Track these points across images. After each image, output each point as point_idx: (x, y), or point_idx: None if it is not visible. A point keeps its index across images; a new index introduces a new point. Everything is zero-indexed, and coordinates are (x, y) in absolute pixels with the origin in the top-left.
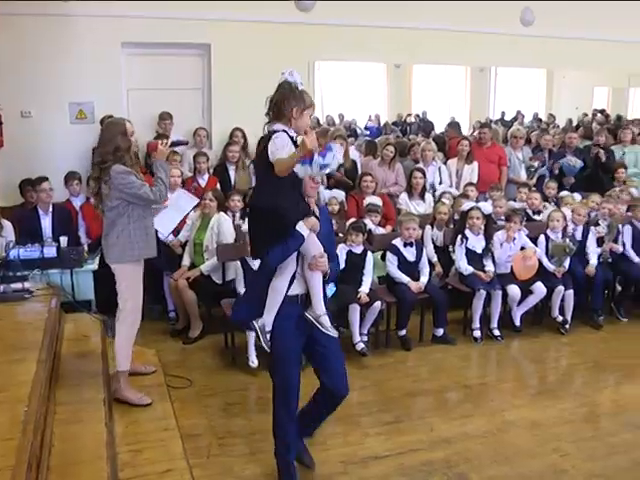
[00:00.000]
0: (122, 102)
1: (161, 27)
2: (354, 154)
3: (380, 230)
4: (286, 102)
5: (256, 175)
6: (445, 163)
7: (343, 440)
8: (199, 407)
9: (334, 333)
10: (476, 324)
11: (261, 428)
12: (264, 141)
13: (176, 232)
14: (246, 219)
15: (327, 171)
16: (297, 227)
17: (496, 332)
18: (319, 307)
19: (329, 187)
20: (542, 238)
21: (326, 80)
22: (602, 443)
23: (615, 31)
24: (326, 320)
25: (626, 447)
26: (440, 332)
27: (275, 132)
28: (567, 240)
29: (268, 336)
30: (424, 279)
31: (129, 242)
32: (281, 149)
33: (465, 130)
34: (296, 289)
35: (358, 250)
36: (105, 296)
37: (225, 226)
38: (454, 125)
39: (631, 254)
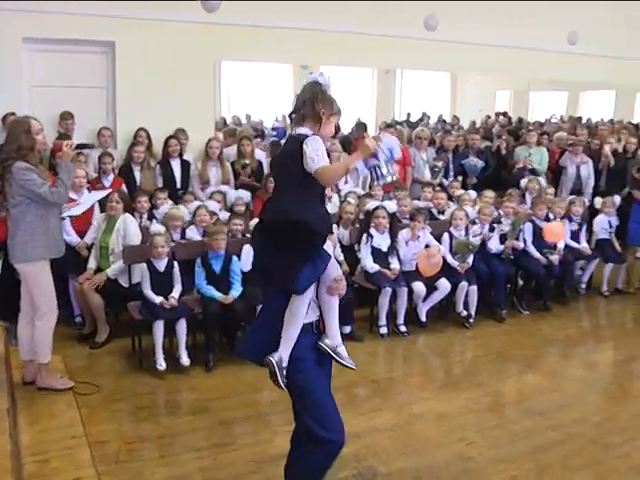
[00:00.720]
0: (24, 100)
1: (64, 23)
2: (260, 155)
3: None
4: (316, 104)
5: (279, 184)
6: None
7: (253, 439)
8: (107, 413)
9: (352, 364)
10: (382, 321)
11: (170, 431)
12: (292, 145)
13: (82, 234)
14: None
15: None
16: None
17: (402, 328)
18: (337, 336)
19: (235, 187)
20: (446, 236)
21: (233, 80)
22: (505, 430)
23: (516, 38)
24: (343, 350)
25: (527, 433)
26: (347, 329)
27: (307, 136)
28: (470, 237)
29: (285, 372)
30: None
31: (31, 240)
32: (322, 156)
33: (372, 131)
34: (311, 316)
35: None
36: (7, 301)
37: (131, 228)
38: (360, 126)
39: (532, 250)
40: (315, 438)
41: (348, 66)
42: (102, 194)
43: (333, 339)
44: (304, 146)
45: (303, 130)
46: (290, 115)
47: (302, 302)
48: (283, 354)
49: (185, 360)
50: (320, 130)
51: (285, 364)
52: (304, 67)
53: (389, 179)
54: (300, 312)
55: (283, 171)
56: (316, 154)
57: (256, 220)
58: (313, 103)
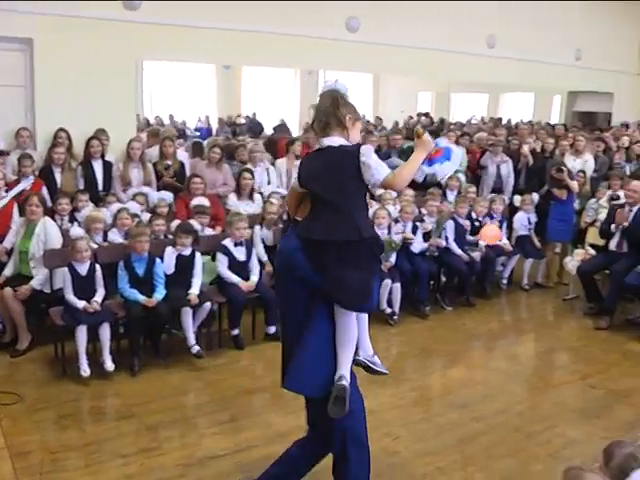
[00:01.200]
0: None
1: None
2: (182, 155)
3: (209, 231)
4: (338, 111)
5: (334, 200)
6: (274, 164)
7: (180, 443)
8: (30, 423)
9: (386, 370)
10: None
11: (96, 439)
12: (341, 159)
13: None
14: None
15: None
16: None
17: None
18: (369, 346)
19: (158, 189)
20: None
21: (155, 80)
22: (430, 424)
23: (436, 41)
24: (377, 359)
25: (452, 425)
26: (272, 330)
27: (356, 147)
28: (393, 236)
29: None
30: (254, 278)
31: None
32: (383, 164)
33: (296, 131)
34: None
35: (187, 252)
36: None
37: (52, 232)
38: (282, 126)
39: (454, 247)
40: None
41: (271, 67)
42: (21, 187)
43: (366, 350)
44: (363, 158)
45: (335, 140)
46: (312, 126)
47: (353, 319)
48: (346, 376)
49: (109, 365)
50: (349, 137)
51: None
52: (227, 67)
53: (448, 174)
54: (355, 330)
55: (339, 187)
56: (379, 164)
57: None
58: (336, 111)
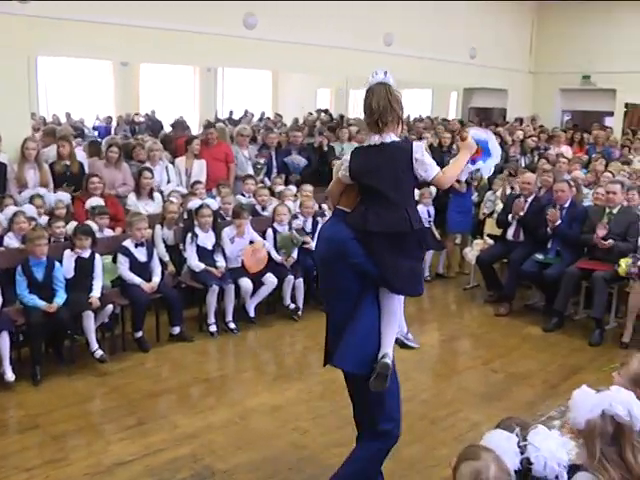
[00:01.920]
0: None
1: None
2: (80, 155)
3: (109, 232)
4: (393, 108)
5: (388, 194)
6: (173, 162)
7: (86, 451)
8: None
9: (418, 345)
10: (211, 319)
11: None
12: (397, 155)
13: None
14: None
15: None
16: None
17: (231, 325)
18: (404, 325)
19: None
20: (270, 231)
21: (51, 77)
22: (337, 416)
23: (334, 38)
24: (410, 335)
25: None
26: (176, 330)
27: (410, 144)
28: (294, 232)
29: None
30: (156, 279)
31: None
32: (432, 160)
33: (195, 129)
34: None
35: (86, 254)
36: None
37: None
38: (180, 124)
39: None
40: (380, 432)
41: (169, 64)
42: None
43: (402, 328)
44: (417, 155)
45: (389, 136)
46: (370, 122)
47: (397, 303)
48: (391, 355)
49: (10, 376)
50: (400, 132)
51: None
52: (124, 64)
53: (492, 169)
54: (398, 313)
55: (394, 182)
56: (431, 161)
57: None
58: (392, 107)
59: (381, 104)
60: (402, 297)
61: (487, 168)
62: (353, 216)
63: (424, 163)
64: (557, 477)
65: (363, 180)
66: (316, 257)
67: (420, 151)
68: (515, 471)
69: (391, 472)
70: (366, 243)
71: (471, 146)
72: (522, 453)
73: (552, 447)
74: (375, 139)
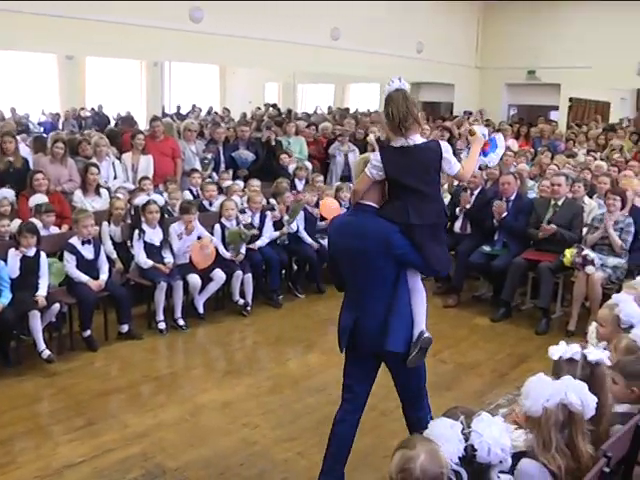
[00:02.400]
0: None
1: None
2: (25, 151)
3: (55, 230)
4: (410, 111)
5: (423, 189)
6: (119, 158)
7: (35, 454)
8: None
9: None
10: (160, 316)
11: None
12: (428, 154)
13: None
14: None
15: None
16: None
17: (181, 322)
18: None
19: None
20: (217, 227)
21: None
22: (288, 410)
23: (280, 32)
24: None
25: (309, 410)
26: (125, 328)
27: (438, 144)
28: (241, 227)
29: None
30: (104, 276)
31: None
32: (454, 157)
33: (144, 124)
34: None
35: (31, 253)
36: None
37: None
38: (127, 119)
39: (304, 235)
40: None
41: (115, 57)
42: None
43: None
44: (445, 155)
45: (416, 138)
46: (393, 126)
47: (422, 286)
48: (425, 331)
49: None
50: (420, 132)
51: None
52: (69, 58)
53: (498, 160)
54: (423, 291)
55: (428, 179)
56: (454, 159)
57: None
58: (410, 112)
59: (401, 110)
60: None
61: (496, 158)
62: (392, 211)
63: (450, 161)
64: (501, 462)
65: (400, 178)
66: (351, 251)
67: (448, 150)
68: (460, 457)
69: None
70: (409, 234)
71: (480, 140)
72: (466, 440)
73: (495, 433)
74: (402, 142)
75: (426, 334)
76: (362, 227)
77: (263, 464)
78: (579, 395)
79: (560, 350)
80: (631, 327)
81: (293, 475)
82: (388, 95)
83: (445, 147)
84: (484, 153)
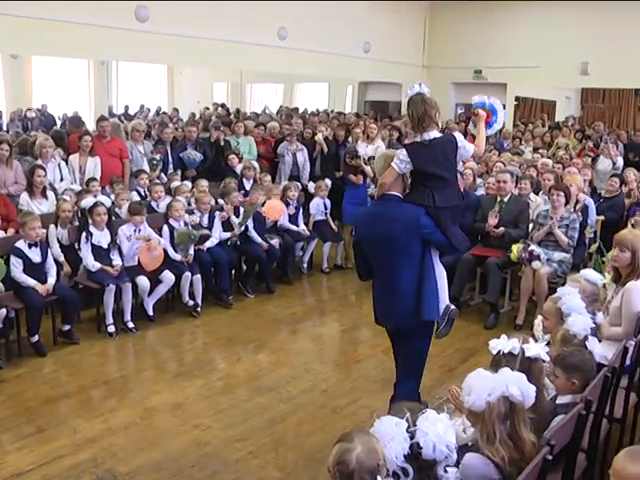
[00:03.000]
0: None
1: None
2: None
3: (0, 233)
4: (428, 112)
5: (445, 176)
6: (66, 159)
7: None
8: None
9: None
10: (109, 319)
11: None
12: (445, 147)
13: None
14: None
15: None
16: None
17: (130, 325)
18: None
19: None
20: (166, 228)
21: None
22: (239, 410)
23: (228, 32)
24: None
25: (260, 409)
26: (66, 327)
27: (453, 136)
28: (189, 227)
29: None
30: (52, 280)
31: None
32: (467, 142)
33: (91, 124)
34: None
35: None
36: None
37: None
38: (74, 119)
39: (253, 235)
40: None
41: (61, 56)
42: None
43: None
44: (460, 144)
45: (434, 133)
46: (414, 125)
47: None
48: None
49: None
50: (439, 128)
51: None
52: (14, 57)
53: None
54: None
55: (450, 167)
56: (467, 143)
57: None
58: (427, 113)
59: (419, 112)
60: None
61: (500, 123)
62: (419, 196)
63: (464, 147)
64: (447, 458)
65: (426, 168)
66: (382, 236)
67: (462, 140)
68: (405, 455)
69: (294, 463)
70: (434, 216)
71: (482, 116)
72: (412, 438)
73: (440, 431)
74: (423, 136)
75: (452, 307)
76: (392, 213)
77: (215, 465)
78: (519, 386)
79: (500, 344)
80: None
81: (245, 474)
82: (409, 98)
83: (459, 137)
84: (489, 124)
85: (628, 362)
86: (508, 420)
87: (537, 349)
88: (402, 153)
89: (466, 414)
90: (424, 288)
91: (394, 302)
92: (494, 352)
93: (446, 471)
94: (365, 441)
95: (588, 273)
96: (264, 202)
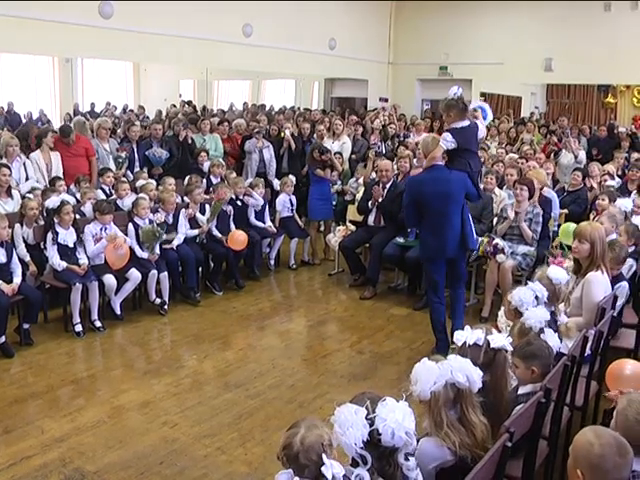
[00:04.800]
0: None
1: None
2: None
3: None
4: (460, 109)
5: (475, 151)
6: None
7: None
8: None
9: None
10: (76, 319)
11: None
12: (467, 134)
13: None
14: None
15: None
16: None
17: (97, 323)
18: None
19: None
20: (131, 226)
21: None
22: (207, 407)
23: (192, 29)
24: None
25: (228, 405)
26: (25, 326)
27: (477, 123)
28: (155, 225)
29: None
30: (17, 280)
31: None
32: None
33: (57, 122)
34: None
35: None
36: None
37: None
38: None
39: (216, 233)
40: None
41: (24, 53)
42: None
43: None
44: (481, 128)
45: (465, 122)
46: (447, 120)
47: None
48: None
49: None
50: (465, 118)
51: None
52: None
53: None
54: None
55: (475, 144)
56: (482, 127)
57: None
58: (460, 110)
59: (460, 107)
60: None
61: (490, 116)
62: (461, 165)
63: (482, 130)
64: (406, 445)
65: (464, 145)
66: (441, 192)
67: (481, 126)
68: (364, 442)
69: (262, 457)
70: (471, 178)
71: (479, 115)
72: (371, 425)
73: (399, 417)
74: (460, 124)
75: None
76: (446, 176)
77: (183, 461)
78: (464, 372)
79: (465, 335)
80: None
81: (213, 470)
82: (452, 98)
83: (480, 126)
84: (484, 118)
85: (588, 352)
86: (457, 405)
87: (501, 340)
88: (448, 136)
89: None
90: (467, 227)
91: (448, 238)
92: (459, 344)
93: (407, 459)
94: (308, 424)
95: (552, 271)
96: (232, 199)
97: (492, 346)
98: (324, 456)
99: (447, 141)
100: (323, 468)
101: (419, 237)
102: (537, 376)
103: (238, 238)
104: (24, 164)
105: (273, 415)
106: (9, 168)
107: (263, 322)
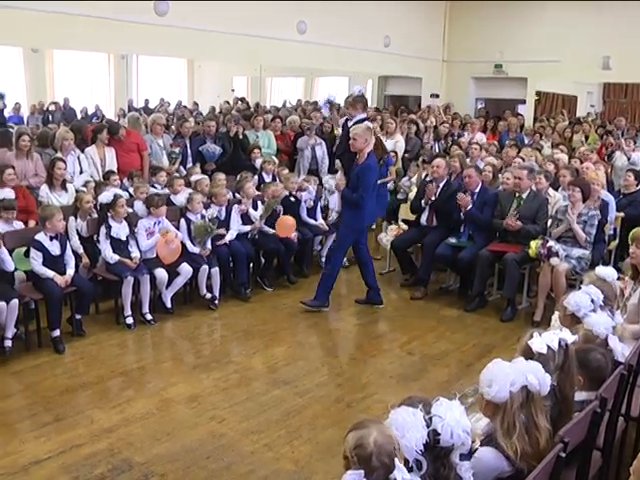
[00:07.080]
0: None
1: None
2: None
3: (19, 225)
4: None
5: None
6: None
7: (1, 451)
8: None
9: None
10: (127, 311)
11: None
12: None
13: None
14: None
15: None
16: None
17: (148, 316)
18: None
19: None
20: (183, 221)
21: None
22: (255, 403)
23: (247, 26)
24: None
25: (276, 402)
26: (78, 316)
27: None
28: (207, 220)
29: None
30: (70, 272)
31: None
32: None
33: (112, 118)
34: None
35: None
36: None
37: None
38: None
39: (266, 229)
40: None
41: (81, 50)
42: None
43: None
44: None
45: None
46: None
47: None
48: None
49: None
50: None
51: None
52: (34, 51)
53: None
54: None
55: None
56: None
57: None
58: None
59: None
60: None
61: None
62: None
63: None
64: (463, 444)
65: None
66: None
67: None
68: (424, 444)
69: (308, 456)
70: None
71: None
72: (428, 426)
73: (456, 415)
74: (362, 115)
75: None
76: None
77: (230, 456)
78: (536, 375)
79: (544, 341)
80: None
81: (259, 466)
82: (357, 95)
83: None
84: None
85: None
86: (524, 409)
87: (571, 336)
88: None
89: (483, 406)
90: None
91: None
92: (541, 351)
93: (461, 459)
94: (379, 427)
95: (601, 271)
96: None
97: (567, 343)
98: (396, 460)
99: None
100: (395, 472)
101: None
102: (585, 385)
103: (287, 222)
104: (78, 158)
105: (321, 414)
106: (64, 162)
107: (312, 319)
